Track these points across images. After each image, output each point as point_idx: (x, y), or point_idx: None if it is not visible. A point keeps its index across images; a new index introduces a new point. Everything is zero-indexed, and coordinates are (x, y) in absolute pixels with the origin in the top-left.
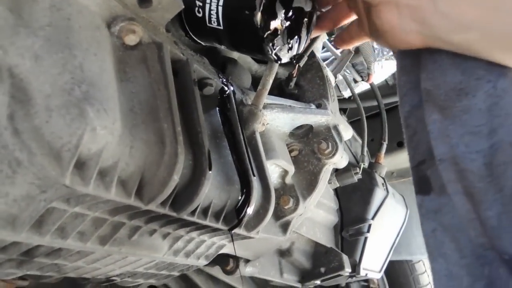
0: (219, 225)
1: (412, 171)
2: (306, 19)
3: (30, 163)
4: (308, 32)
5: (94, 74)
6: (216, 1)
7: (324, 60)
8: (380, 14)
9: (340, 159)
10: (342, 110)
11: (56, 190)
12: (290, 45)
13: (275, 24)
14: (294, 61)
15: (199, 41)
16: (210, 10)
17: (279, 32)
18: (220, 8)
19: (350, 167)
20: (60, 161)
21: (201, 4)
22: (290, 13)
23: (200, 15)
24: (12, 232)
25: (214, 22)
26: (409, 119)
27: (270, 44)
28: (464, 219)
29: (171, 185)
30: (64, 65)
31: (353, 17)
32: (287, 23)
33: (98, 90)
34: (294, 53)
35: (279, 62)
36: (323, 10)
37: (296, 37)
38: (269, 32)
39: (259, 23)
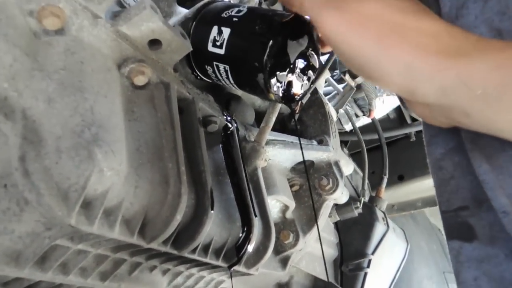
0: (219, 263)
1: (445, 214)
2: (310, 61)
3: (38, 203)
4: (312, 71)
5: (103, 116)
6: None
7: (326, 94)
8: (411, 105)
9: (341, 195)
10: (343, 143)
11: (61, 228)
12: (291, 86)
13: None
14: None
15: (204, 78)
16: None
17: (283, 79)
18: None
19: (350, 201)
20: (66, 202)
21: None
22: (295, 64)
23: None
24: (16, 268)
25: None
26: (443, 161)
27: (274, 88)
28: None
29: (174, 225)
30: (76, 108)
31: None
32: (292, 72)
33: (107, 132)
34: (298, 92)
35: (282, 102)
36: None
37: (300, 77)
38: (273, 79)
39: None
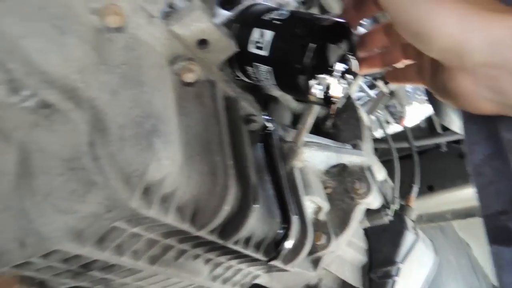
0: (259, 256)
1: (486, 219)
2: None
3: (105, 186)
4: (351, 76)
5: (160, 109)
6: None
7: (358, 100)
8: (454, 78)
9: (373, 200)
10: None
11: (121, 210)
12: (332, 89)
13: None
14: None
15: (244, 79)
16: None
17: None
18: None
19: (381, 208)
20: (129, 185)
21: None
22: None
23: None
24: (78, 245)
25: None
26: (483, 167)
27: (313, 90)
28: None
29: (222, 215)
30: (136, 100)
31: (410, 61)
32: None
33: (163, 124)
34: (336, 95)
35: (321, 104)
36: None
37: (339, 81)
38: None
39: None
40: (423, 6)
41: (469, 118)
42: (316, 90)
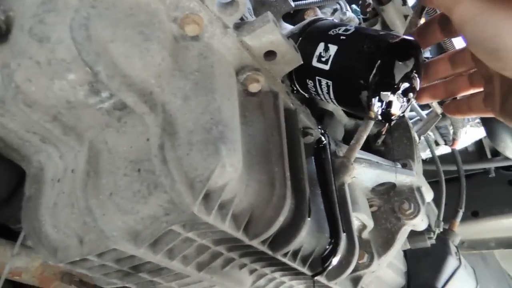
0: (305, 270)
1: None
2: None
3: (171, 189)
4: (413, 94)
5: (228, 117)
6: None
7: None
8: None
9: (421, 222)
10: None
11: (179, 214)
12: (390, 106)
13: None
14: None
15: (302, 92)
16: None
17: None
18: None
19: (424, 230)
20: (193, 190)
21: (313, 87)
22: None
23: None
24: (134, 246)
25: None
26: None
27: (375, 106)
28: None
29: (276, 225)
30: (207, 107)
31: (476, 90)
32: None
33: (230, 131)
34: (396, 113)
35: (380, 121)
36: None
37: (400, 98)
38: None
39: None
40: (500, 23)
41: None
42: (377, 106)
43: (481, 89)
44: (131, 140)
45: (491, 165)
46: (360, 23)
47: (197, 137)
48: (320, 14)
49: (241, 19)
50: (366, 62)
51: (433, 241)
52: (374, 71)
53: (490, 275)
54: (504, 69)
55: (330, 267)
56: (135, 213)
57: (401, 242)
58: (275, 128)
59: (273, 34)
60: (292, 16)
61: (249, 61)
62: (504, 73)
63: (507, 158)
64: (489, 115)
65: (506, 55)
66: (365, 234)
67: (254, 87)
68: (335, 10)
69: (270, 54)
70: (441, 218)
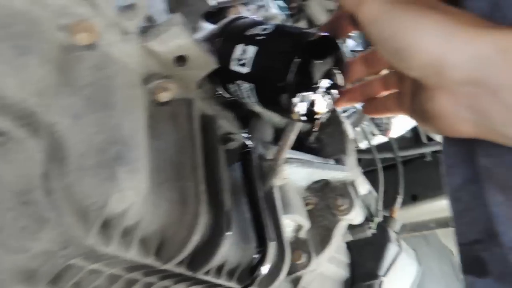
0: (232, 284)
1: (461, 247)
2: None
3: (57, 223)
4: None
5: (128, 134)
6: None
7: (343, 112)
8: (432, 98)
9: (356, 216)
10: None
11: (77, 248)
12: (316, 106)
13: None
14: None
15: (226, 95)
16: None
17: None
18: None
19: (364, 220)
20: (86, 221)
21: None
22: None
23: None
24: (30, 287)
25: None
26: (460, 192)
27: (297, 108)
28: None
29: (191, 246)
30: (101, 125)
31: (390, 91)
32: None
33: (130, 150)
34: (321, 112)
35: (304, 121)
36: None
37: (323, 97)
38: (296, 99)
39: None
40: (402, 21)
41: (448, 139)
42: (299, 107)
43: (396, 90)
44: (16, 169)
45: (427, 150)
46: (285, 20)
47: (89, 160)
48: (243, 12)
49: (150, 21)
50: (282, 63)
51: (373, 230)
52: (291, 72)
53: (432, 253)
54: (408, 68)
55: (259, 277)
56: (25, 251)
57: (338, 238)
58: (188, 139)
59: (181, 38)
60: (215, 15)
61: (157, 68)
62: (409, 73)
63: (440, 142)
64: (402, 113)
65: (409, 54)
66: (302, 234)
67: (164, 96)
68: (260, 7)
69: (180, 60)
70: (380, 207)
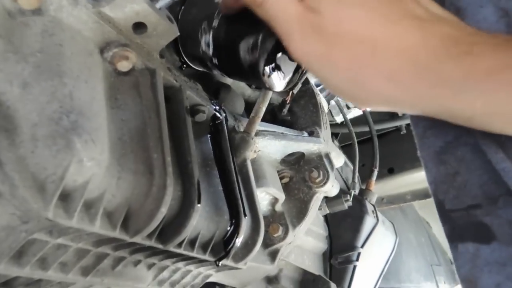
0: (206, 257)
1: (454, 214)
2: None
3: (11, 196)
4: None
5: (84, 103)
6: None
7: (317, 85)
8: None
9: (331, 188)
10: (334, 135)
11: (38, 222)
12: (284, 73)
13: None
14: (288, 88)
15: (192, 66)
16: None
17: (275, 62)
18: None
19: (341, 194)
20: (43, 194)
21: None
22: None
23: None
24: None
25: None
26: (444, 155)
27: (267, 74)
28: None
29: (158, 218)
30: (54, 93)
31: None
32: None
33: (87, 120)
34: (289, 80)
35: (273, 90)
36: None
37: (293, 64)
38: (267, 65)
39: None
40: (344, 85)
41: None
42: (270, 74)
43: None
44: None
45: (402, 123)
46: None
47: (43, 130)
48: None
49: None
50: (251, 28)
51: (350, 203)
52: (261, 37)
53: (409, 225)
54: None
55: (234, 250)
56: None
57: (314, 210)
58: (153, 109)
59: (137, 3)
60: None
61: (114, 36)
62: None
63: None
64: None
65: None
66: (278, 207)
67: (123, 65)
68: None
69: (139, 27)
70: (356, 180)
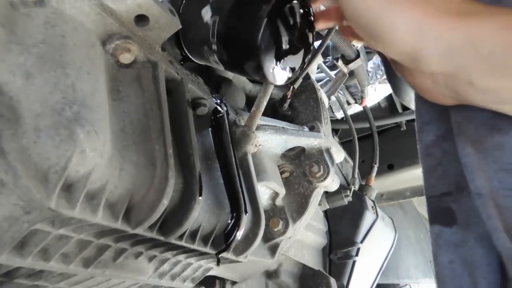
0: (207, 249)
1: (431, 200)
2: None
3: (14, 185)
4: (306, 53)
5: (86, 94)
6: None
7: (318, 81)
8: (412, 74)
9: (331, 183)
10: (334, 131)
11: (40, 212)
12: (286, 67)
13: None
14: (289, 83)
15: (194, 59)
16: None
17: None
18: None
19: (340, 189)
20: (46, 184)
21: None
22: (288, 37)
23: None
24: None
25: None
26: (432, 148)
27: (268, 69)
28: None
29: (160, 210)
30: (56, 84)
31: None
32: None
33: (90, 111)
34: (290, 75)
35: (274, 84)
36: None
37: (292, 59)
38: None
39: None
40: (379, 8)
41: (421, 98)
42: (271, 69)
43: None
44: None
45: (402, 119)
46: None
47: (46, 121)
48: None
49: None
50: (253, 22)
51: (350, 198)
52: (262, 31)
53: (408, 221)
54: (386, 53)
55: (235, 243)
56: None
57: (314, 205)
58: (154, 101)
59: None
60: None
61: (116, 28)
62: (387, 55)
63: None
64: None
65: (385, 42)
66: (279, 201)
67: (125, 58)
68: None
69: (141, 19)
70: (356, 176)
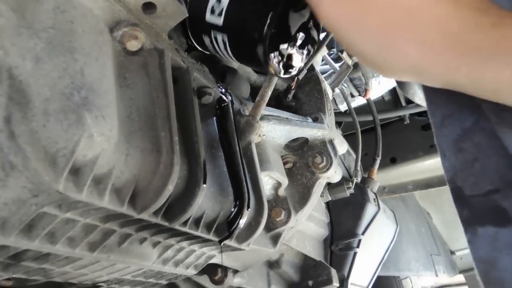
0: (210, 236)
1: (474, 199)
2: (310, 34)
3: (24, 167)
4: (312, 45)
5: (94, 80)
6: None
7: (322, 73)
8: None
9: (334, 174)
10: (338, 124)
11: (48, 195)
12: (291, 59)
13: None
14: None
15: (200, 49)
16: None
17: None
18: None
19: (343, 181)
20: (54, 167)
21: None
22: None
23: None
24: (1, 235)
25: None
26: (463, 142)
27: (273, 60)
28: None
29: (165, 195)
30: (65, 69)
31: None
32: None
33: (97, 96)
34: (297, 66)
35: (279, 75)
36: None
37: (299, 51)
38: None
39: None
40: (374, 50)
41: (434, 90)
42: (276, 60)
43: None
44: None
45: (405, 112)
46: None
47: (54, 105)
48: None
49: None
50: (260, 14)
51: (352, 190)
52: (268, 23)
53: (410, 215)
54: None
55: (238, 230)
56: None
57: (317, 195)
58: (161, 89)
59: None
60: None
61: (124, 15)
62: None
63: (419, 105)
64: None
65: (390, 70)
66: (281, 191)
67: (132, 45)
68: None
69: (149, 7)
70: (358, 168)
